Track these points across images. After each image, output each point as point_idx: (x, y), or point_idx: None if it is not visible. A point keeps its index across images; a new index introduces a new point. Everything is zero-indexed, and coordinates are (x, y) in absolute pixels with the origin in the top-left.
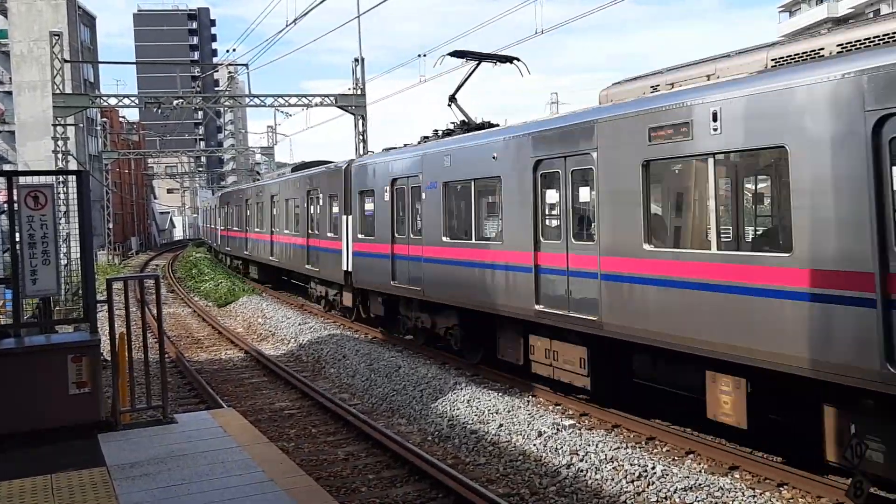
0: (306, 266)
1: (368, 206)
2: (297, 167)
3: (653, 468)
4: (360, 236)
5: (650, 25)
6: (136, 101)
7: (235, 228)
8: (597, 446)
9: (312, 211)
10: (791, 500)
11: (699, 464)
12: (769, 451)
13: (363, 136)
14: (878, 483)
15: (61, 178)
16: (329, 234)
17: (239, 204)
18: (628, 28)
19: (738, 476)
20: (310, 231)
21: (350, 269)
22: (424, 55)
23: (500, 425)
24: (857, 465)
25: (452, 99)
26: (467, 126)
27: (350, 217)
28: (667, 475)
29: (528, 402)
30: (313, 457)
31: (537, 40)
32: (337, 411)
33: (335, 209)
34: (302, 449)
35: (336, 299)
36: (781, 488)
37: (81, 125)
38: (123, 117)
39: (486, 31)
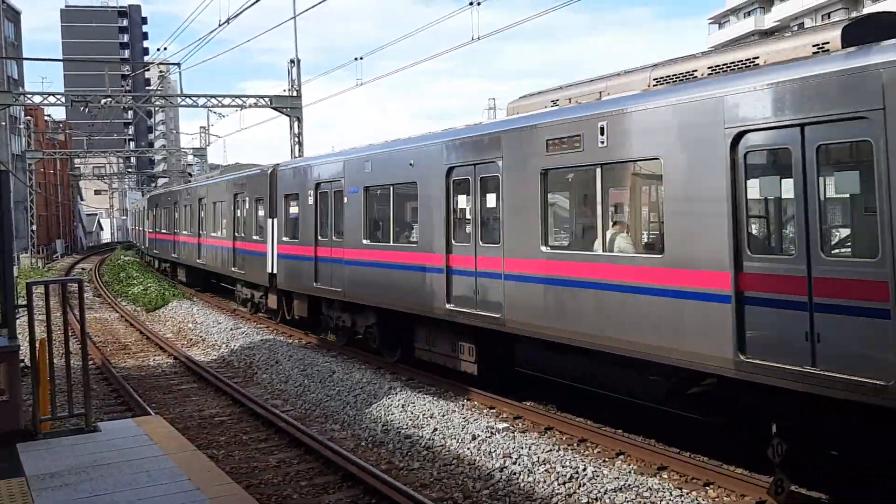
0: (232, 269)
1: (293, 209)
2: (226, 170)
3: (584, 470)
4: (284, 239)
5: (586, 33)
6: (63, 100)
7: (164, 231)
8: (530, 449)
9: (239, 214)
10: (716, 499)
11: (629, 464)
12: (696, 451)
13: (299, 138)
14: (799, 481)
15: None
16: (255, 237)
17: (167, 206)
18: (565, 35)
19: (666, 476)
20: (236, 234)
21: (275, 272)
22: (361, 58)
23: (435, 429)
24: (779, 463)
25: None
26: None
27: (275, 220)
28: (597, 476)
29: (463, 406)
30: (244, 464)
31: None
32: (269, 417)
33: (261, 212)
34: (232, 456)
35: (262, 301)
36: (707, 487)
37: (4, 123)
38: (49, 116)
39: (424, 35)
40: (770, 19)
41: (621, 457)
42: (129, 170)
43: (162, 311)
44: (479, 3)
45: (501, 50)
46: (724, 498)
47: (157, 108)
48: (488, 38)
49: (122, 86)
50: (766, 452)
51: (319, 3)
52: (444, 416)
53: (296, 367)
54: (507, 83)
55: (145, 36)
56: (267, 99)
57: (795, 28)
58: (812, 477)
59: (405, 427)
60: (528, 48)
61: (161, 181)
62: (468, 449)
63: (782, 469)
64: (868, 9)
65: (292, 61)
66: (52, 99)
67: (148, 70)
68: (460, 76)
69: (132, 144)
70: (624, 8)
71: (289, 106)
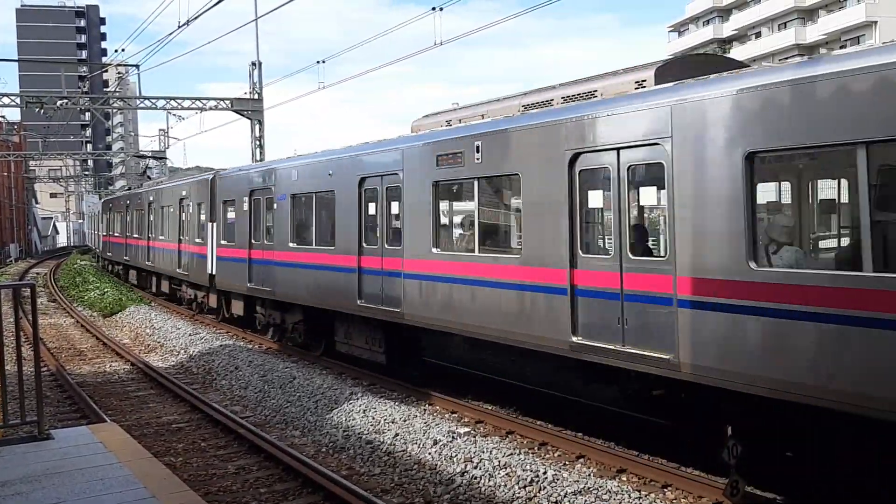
0: (177, 270)
1: (231, 214)
2: (181, 174)
3: (544, 473)
4: (223, 242)
5: (550, 39)
6: (17, 101)
7: (116, 234)
8: (491, 453)
9: (184, 218)
10: (674, 501)
11: (589, 467)
12: (655, 454)
13: (260, 141)
14: (755, 481)
15: None
16: (197, 240)
17: (120, 210)
18: (529, 41)
19: (625, 479)
20: (181, 237)
21: (214, 273)
22: (324, 61)
23: (396, 434)
24: (734, 465)
25: None
26: None
27: (215, 224)
28: (558, 480)
29: (425, 410)
30: (202, 472)
31: (439, 50)
32: (228, 424)
33: (203, 216)
34: (190, 464)
35: (204, 301)
36: (665, 489)
37: None
38: (3, 117)
39: (388, 39)
40: (728, 28)
41: (581, 460)
42: (86, 172)
43: (119, 317)
44: (441, 9)
45: (465, 55)
46: (682, 499)
47: (114, 111)
48: (451, 43)
49: (80, 87)
50: (721, 454)
51: (281, 5)
52: (405, 420)
53: (256, 372)
54: (470, 88)
55: (103, 37)
56: (227, 101)
57: (753, 37)
58: (767, 478)
59: (366, 432)
60: (491, 53)
61: (119, 184)
62: (429, 454)
63: (737, 470)
64: (822, 19)
65: (253, 64)
66: (6, 100)
67: (106, 71)
68: (424, 80)
69: (89, 147)
70: (588, 15)
71: (250, 109)
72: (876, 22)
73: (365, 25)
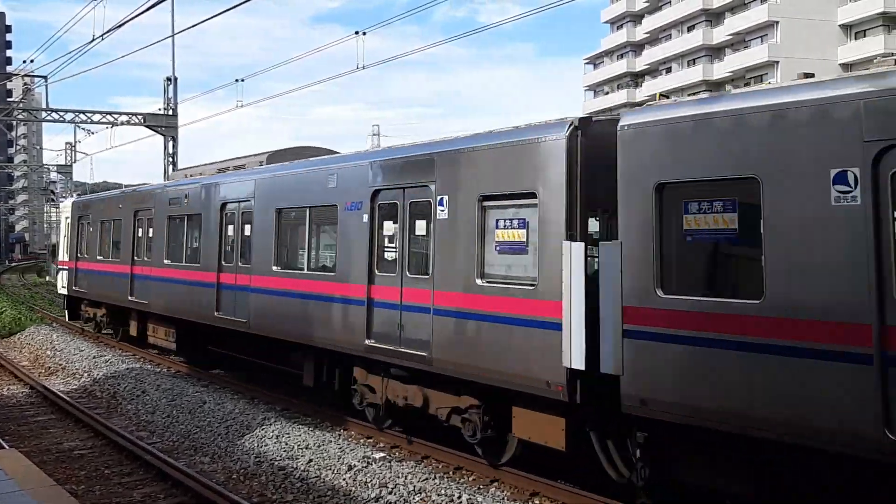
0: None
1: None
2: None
3: (459, 497)
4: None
5: (471, 66)
6: None
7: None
8: (406, 478)
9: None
10: None
11: (503, 491)
12: (567, 479)
13: (173, 158)
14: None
15: None
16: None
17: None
18: (451, 67)
19: (538, 502)
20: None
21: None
22: (243, 80)
23: (310, 460)
24: (642, 486)
25: None
26: None
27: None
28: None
29: (340, 435)
30: (105, 500)
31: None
32: (133, 450)
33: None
34: (93, 492)
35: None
36: None
37: None
38: None
39: (310, 58)
40: (641, 62)
41: (495, 484)
42: None
43: (17, 337)
44: (364, 33)
45: (388, 77)
46: None
47: (18, 122)
48: (373, 66)
49: None
50: (630, 477)
51: (200, 22)
52: (319, 446)
53: (164, 396)
54: (394, 110)
55: (9, 45)
56: (140, 116)
57: (664, 72)
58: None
59: (279, 458)
60: (414, 77)
61: (20, 198)
62: (344, 479)
63: (646, 492)
64: (728, 57)
65: (169, 79)
66: None
67: (10, 81)
68: (346, 101)
69: None
70: (508, 44)
71: (164, 125)
72: (777, 62)
73: (287, 44)
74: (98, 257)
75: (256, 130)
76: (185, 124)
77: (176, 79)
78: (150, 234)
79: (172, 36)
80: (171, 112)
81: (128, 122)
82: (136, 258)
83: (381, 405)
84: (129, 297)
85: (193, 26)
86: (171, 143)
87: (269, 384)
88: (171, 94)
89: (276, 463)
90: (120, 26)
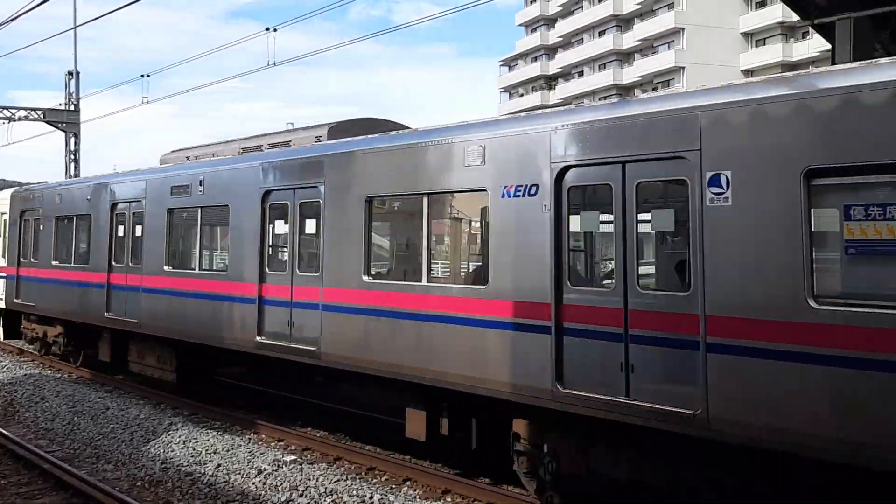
0: None
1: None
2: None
3: (371, 498)
4: None
5: (390, 65)
6: None
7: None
8: (317, 480)
9: None
10: None
11: (415, 490)
12: (479, 475)
13: (75, 155)
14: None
15: None
16: None
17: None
18: (370, 65)
19: (450, 500)
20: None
21: None
22: (149, 76)
23: (219, 465)
24: (550, 481)
25: None
26: None
27: None
28: (384, 503)
29: (250, 439)
30: None
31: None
32: (31, 459)
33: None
34: None
35: None
36: None
37: None
38: None
39: (220, 54)
40: (554, 66)
41: (408, 483)
42: None
43: None
44: (275, 29)
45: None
46: None
47: None
48: (285, 63)
49: None
50: (538, 471)
51: (102, 15)
52: (228, 450)
53: (64, 403)
54: (310, 108)
55: None
56: (40, 112)
57: (576, 76)
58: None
59: (186, 464)
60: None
61: None
62: (253, 484)
63: (553, 486)
64: (637, 62)
65: (70, 73)
66: None
67: None
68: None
69: None
70: (426, 44)
71: (65, 121)
72: (683, 67)
73: (197, 38)
74: (53, 262)
75: (166, 128)
76: (88, 120)
77: (78, 73)
78: (138, 233)
79: (74, 28)
80: (73, 107)
81: (26, 118)
82: (114, 263)
83: None
84: (106, 314)
85: (97, 18)
86: (73, 140)
87: (171, 388)
88: (72, 89)
89: (183, 469)
90: (13, 19)
